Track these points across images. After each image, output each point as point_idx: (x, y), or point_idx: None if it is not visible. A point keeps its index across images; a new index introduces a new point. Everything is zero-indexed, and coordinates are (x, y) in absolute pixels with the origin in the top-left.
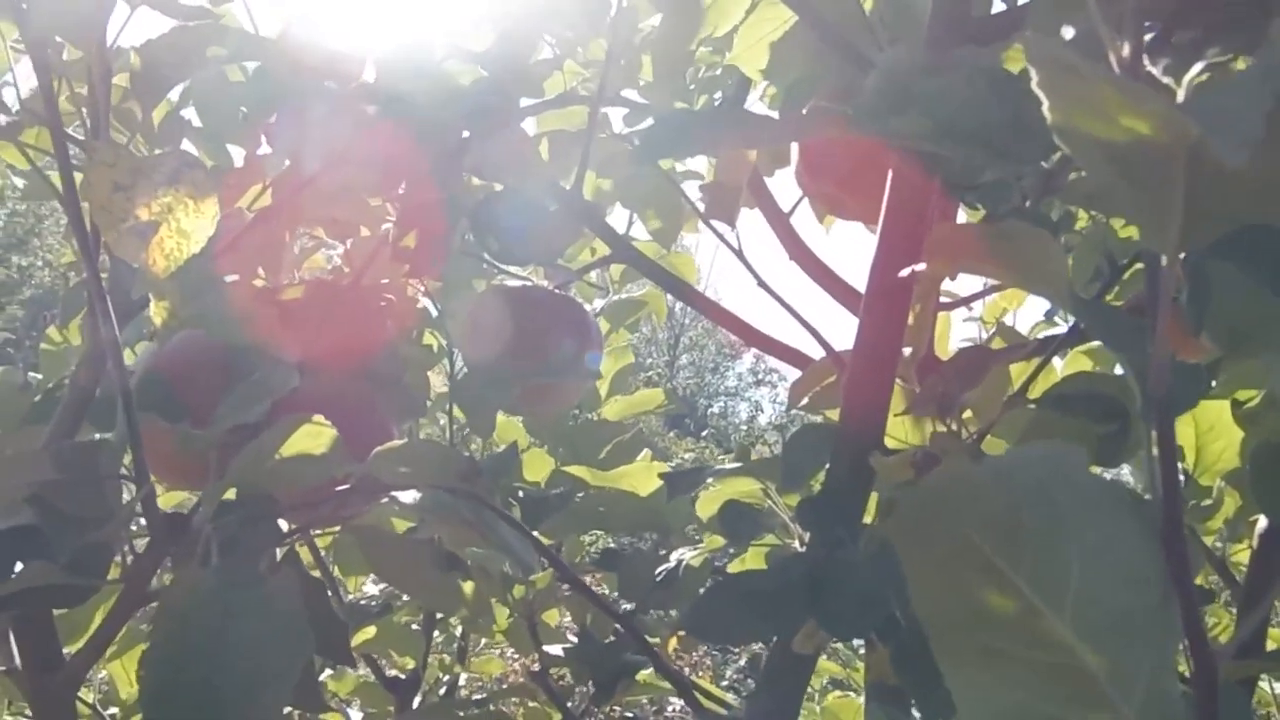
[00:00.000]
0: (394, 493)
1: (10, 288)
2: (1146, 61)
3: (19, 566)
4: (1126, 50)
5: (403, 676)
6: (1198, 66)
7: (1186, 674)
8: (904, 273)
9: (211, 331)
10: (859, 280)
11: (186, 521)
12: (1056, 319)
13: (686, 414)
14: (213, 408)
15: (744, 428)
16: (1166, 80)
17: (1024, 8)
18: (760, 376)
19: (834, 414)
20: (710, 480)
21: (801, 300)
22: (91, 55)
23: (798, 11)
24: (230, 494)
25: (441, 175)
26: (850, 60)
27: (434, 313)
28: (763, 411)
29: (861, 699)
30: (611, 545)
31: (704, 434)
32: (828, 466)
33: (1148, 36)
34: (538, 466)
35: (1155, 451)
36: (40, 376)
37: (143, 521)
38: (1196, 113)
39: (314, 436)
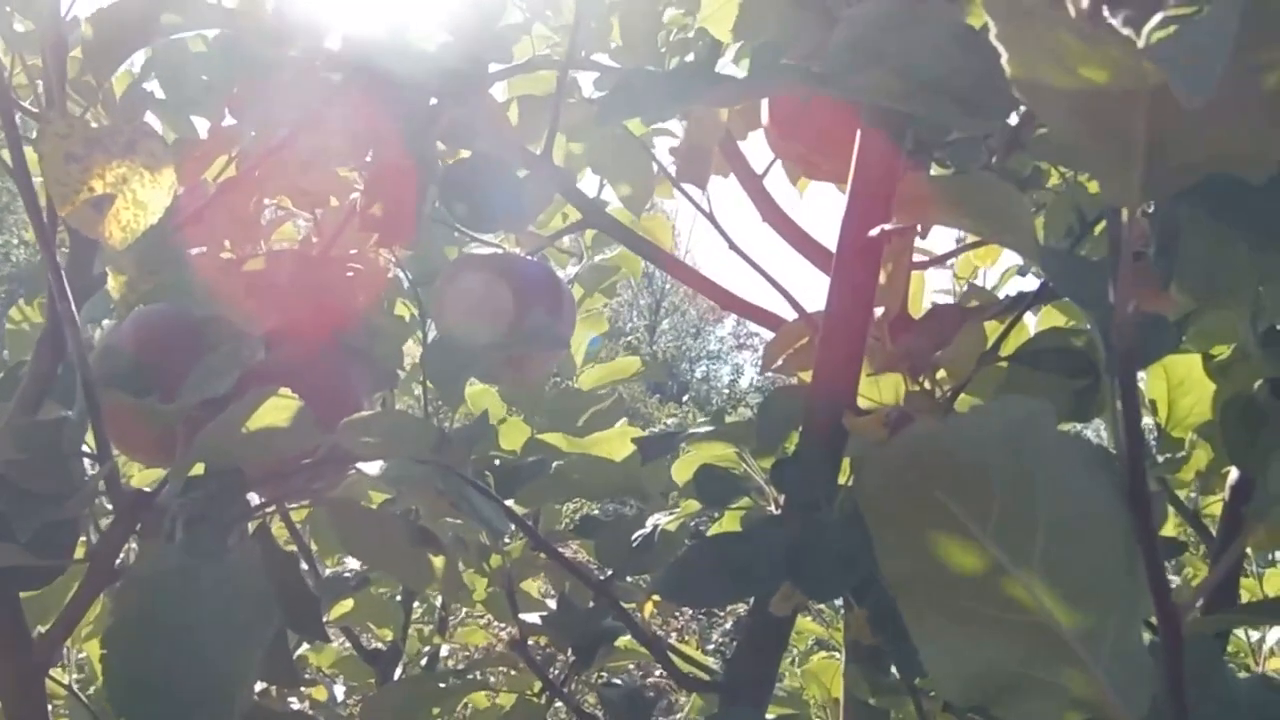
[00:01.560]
0: (360, 464)
1: None
2: (1106, 12)
3: None
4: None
5: (383, 649)
6: (1158, 17)
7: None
8: (874, 231)
9: (173, 301)
10: (833, 242)
11: (152, 498)
12: (1030, 272)
13: (668, 379)
14: (179, 382)
15: (726, 391)
16: (1126, 31)
17: None
18: (742, 340)
19: (808, 376)
20: (684, 444)
21: (778, 264)
22: (43, 26)
23: None
24: (199, 469)
25: (410, 142)
26: (820, 19)
27: (406, 283)
28: (744, 374)
29: (842, 659)
30: (591, 513)
31: (685, 399)
32: (801, 428)
33: None
34: (515, 436)
35: (1119, 405)
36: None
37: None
38: (1157, 57)
39: (281, 409)
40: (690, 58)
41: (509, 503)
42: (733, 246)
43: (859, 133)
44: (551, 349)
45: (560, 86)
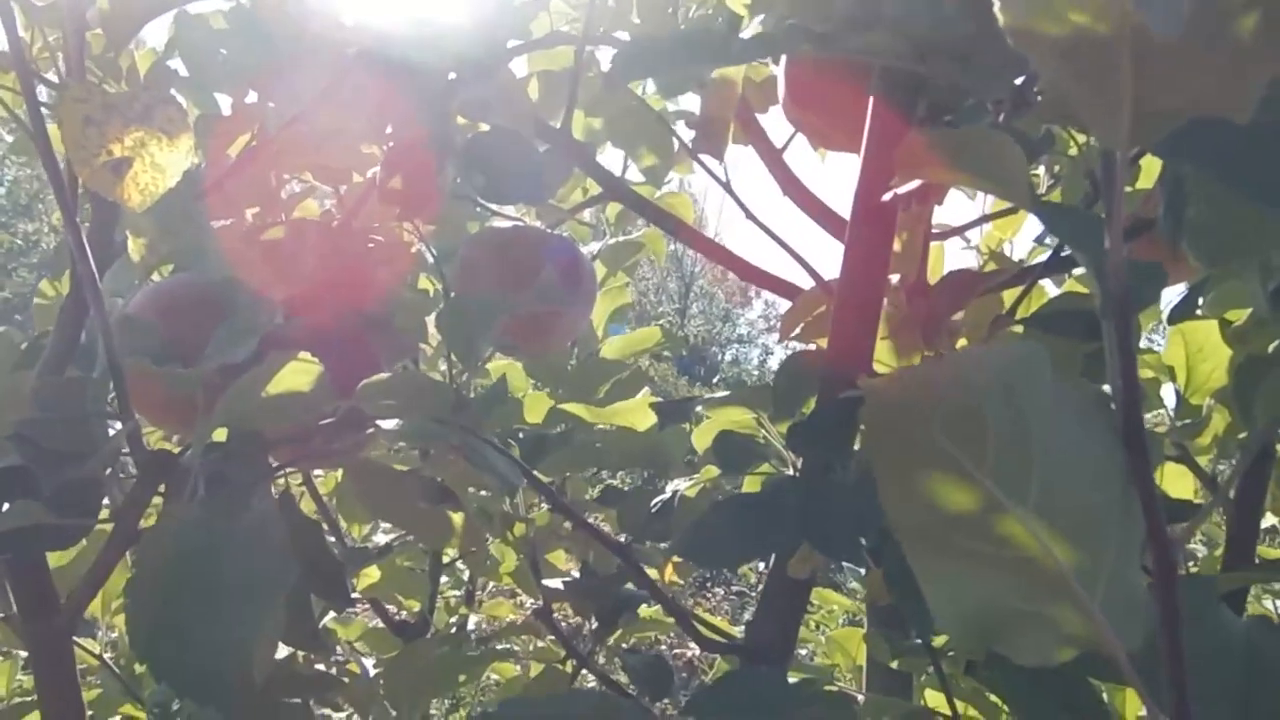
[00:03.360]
0: (376, 423)
1: (17, 253)
2: None
3: (4, 507)
4: None
5: (411, 621)
6: None
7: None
8: (885, 196)
9: (191, 267)
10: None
11: (175, 459)
12: (1048, 242)
13: (698, 362)
14: (199, 350)
15: (755, 373)
16: None
17: None
18: (771, 322)
19: (826, 343)
20: (702, 410)
21: (800, 238)
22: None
23: None
24: (221, 434)
25: (428, 117)
26: None
27: (430, 258)
28: (773, 356)
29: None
30: (612, 483)
31: (716, 381)
32: (818, 393)
33: None
34: (538, 408)
35: (1115, 346)
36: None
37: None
38: None
39: (301, 373)
40: None
41: (534, 472)
42: (750, 216)
43: (870, 101)
44: (568, 310)
45: (578, 61)
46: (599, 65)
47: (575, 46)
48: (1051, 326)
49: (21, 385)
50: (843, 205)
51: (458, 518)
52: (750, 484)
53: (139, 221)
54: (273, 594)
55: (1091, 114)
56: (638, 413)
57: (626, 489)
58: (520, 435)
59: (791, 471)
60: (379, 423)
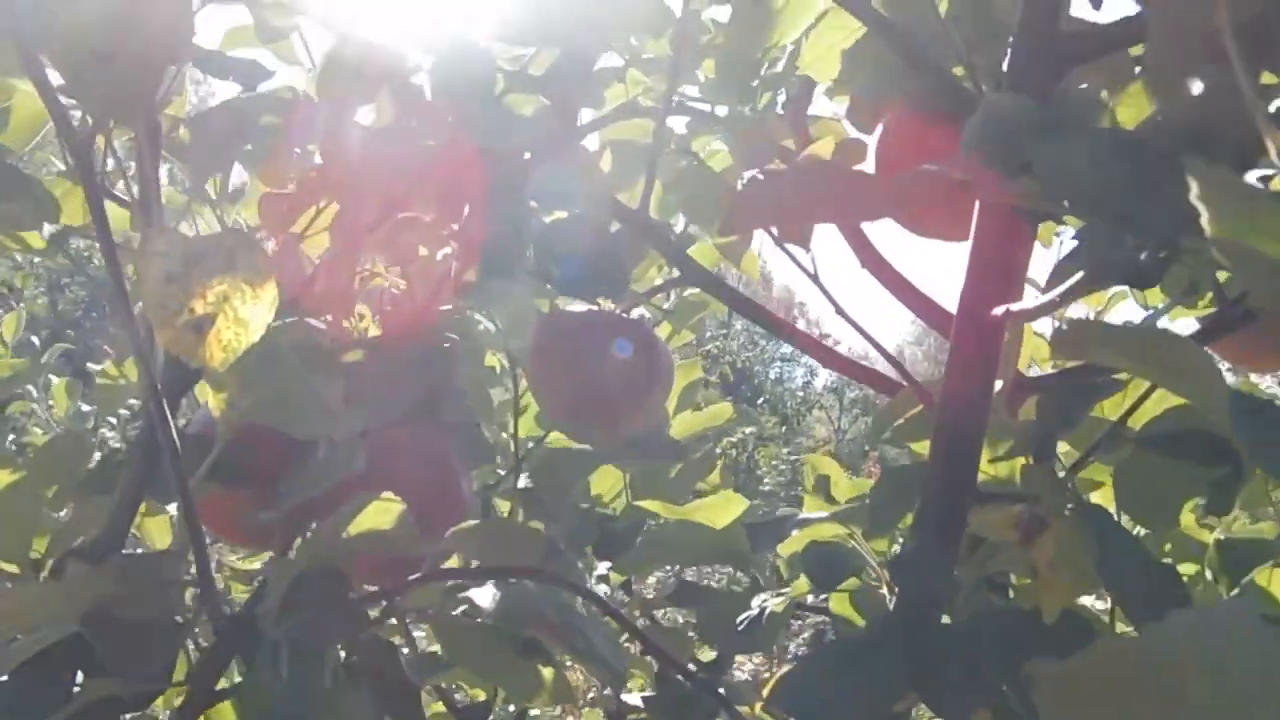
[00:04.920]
0: (472, 591)
1: (70, 270)
2: None
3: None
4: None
5: (473, 702)
6: None
7: None
8: (998, 311)
9: (273, 420)
10: (930, 288)
11: (251, 624)
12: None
13: (742, 381)
14: (275, 467)
15: (799, 393)
16: None
17: (1115, 27)
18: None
19: (918, 446)
20: (796, 530)
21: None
22: (139, 131)
23: (867, 24)
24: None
25: (503, 205)
26: (924, 71)
27: (494, 329)
28: (817, 375)
29: None
30: (687, 579)
31: (760, 402)
32: (917, 513)
33: None
34: (606, 482)
35: None
36: (93, 408)
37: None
38: None
39: (384, 512)
40: (781, 93)
41: (605, 567)
42: (839, 311)
43: (977, 201)
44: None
45: (657, 137)
46: (675, 138)
47: (652, 121)
48: (1171, 448)
49: (97, 516)
50: (914, 274)
51: (548, 672)
52: (838, 599)
53: (219, 376)
54: None
55: None
56: (717, 509)
57: (699, 587)
58: (586, 513)
59: (885, 590)
60: (473, 594)
